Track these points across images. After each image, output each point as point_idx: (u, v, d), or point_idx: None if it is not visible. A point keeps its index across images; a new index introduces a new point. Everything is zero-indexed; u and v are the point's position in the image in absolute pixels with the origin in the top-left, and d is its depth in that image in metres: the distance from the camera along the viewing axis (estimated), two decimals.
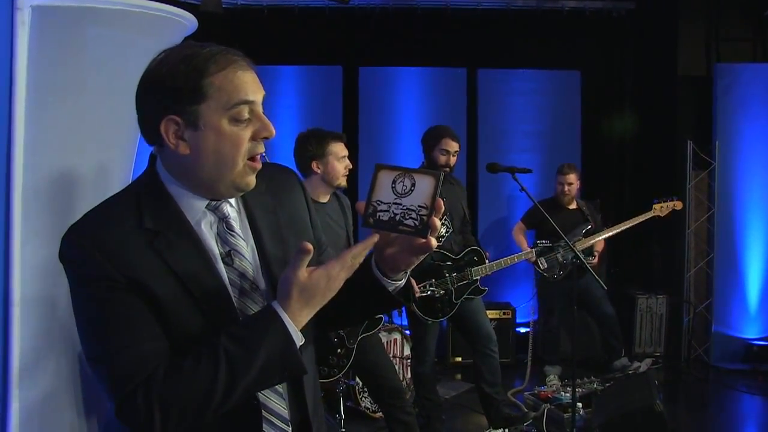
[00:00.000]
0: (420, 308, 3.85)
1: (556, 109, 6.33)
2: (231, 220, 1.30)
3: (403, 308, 3.98)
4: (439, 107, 6.14)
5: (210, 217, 1.28)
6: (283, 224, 1.37)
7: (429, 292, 3.83)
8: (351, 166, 3.18)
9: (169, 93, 1.19)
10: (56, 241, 1.95)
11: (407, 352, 4.53)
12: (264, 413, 1.27)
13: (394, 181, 1.17)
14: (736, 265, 5.58)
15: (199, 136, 1.20)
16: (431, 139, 3.96)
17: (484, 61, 6.33)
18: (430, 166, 3.95)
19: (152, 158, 1.30)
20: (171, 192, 1.26)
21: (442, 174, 1.17)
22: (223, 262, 1.26)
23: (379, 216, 1.17)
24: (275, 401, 1.29)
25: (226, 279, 1.26)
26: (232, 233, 1.29)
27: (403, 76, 6.25)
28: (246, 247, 1.31)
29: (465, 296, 3.96)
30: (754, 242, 5.55)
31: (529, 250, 4.37)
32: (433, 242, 1.18)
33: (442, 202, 1.16)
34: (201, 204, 1.27)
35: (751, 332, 5.53)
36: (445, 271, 3.90)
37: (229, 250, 1.27)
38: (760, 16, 5.69)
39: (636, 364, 5.27)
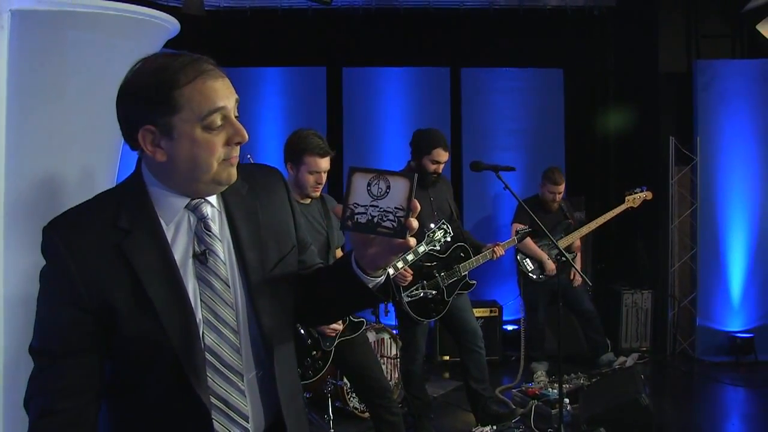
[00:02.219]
0: (413, 310, 3.86)
1: (540, 108, 6.37)
2: (209, 221, 1.34)
3: (393, 308, 3.99)
4: (423, 107, 6.15)
5: (189, 218, 1.33)
6: (263, 225, 1.41)
7: (422, 294, 3.85)
8: (323, 182, 3.14)
9: (143, 105, 1.24)
10: (39, 245, 1.95)
11: (395, 351, 4.54)
12: (225, 409, 1.31)
13: (369, 184, 1.19)
14: (719, 259, 5.64)
15: (174, 144, 1.25)
16: (423, 146, 3.91)
17: (467, 60, 6.36)
18: (417, 169, 3.93)
19: (139, 160, 1.35)
20: (151, 193, 1.31)
21: (416, 176, 1.19)
22: (198, 260, 1.31)
23: (356, 219, 1.19)
24: (236, 398, 1.32)
25: (192, 279, 1.30)
26: (209, 233, 1.33)
27: (386, 77, 6.26)
28: (222, 247, 1.34)
29: (456, 292, 3.98)
30: (736, 236, 5.61)
31: (512, 238, 4.37)
32: (412, 242, 1.20)
33: (417, 203, 1.18)
34: (181, 203, 1.32)
35: (734, 325, 5.59)
36: (434, 271, 3.92)
37: (205, 250, 1.32)
38: (738, 12, 5.76)
39: (622, 358, 5.31)
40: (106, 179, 2.31)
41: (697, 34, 5.85)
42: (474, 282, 4.07)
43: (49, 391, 1.25)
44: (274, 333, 1.36)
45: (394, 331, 4.67)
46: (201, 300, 1.29)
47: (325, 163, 3.12)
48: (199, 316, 1.28)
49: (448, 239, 3.67)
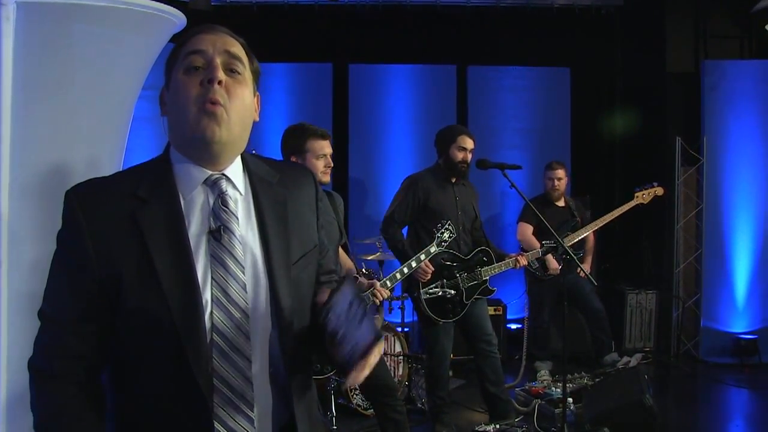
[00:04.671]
0: (430, 309, 3.85)
1: (546, 106, 6.35)
2: (227, 197, 1.32)
3: (415, 310, 4.01)
4: (429, 104, 6.15)
5: (206, 192, 1.32)
6: (290, 217, 1.39)
7: (441, 293, 3.84)
8: (332, 164, 3.14)
9: (165, 70, 1.35)
10: (45, 238, 1.95)
11: (399, 349, 4.54)
12: (228, 394, 1.27)
13: (351, 303, 1.20)
14: (724, 261, 5.62)
15: (169, 95, 1.32)
16: (448, 137, 3.99)
17: (474, 58, 6.34)
18: (445, 164, 3.99)
19: None
20: (174, 164, 1.33)
21: (382, 342, 1.19)
22: (212, 236, 1.28)
23: (329, 318, 1.24)
24: (241, 384, 1.28)
25: (205, 256, 1.27)
26: (226, 209, 1.31)
27: (393, 74, 6.25)
28: (238, 226, 1.32)
29: (475, 296, 3.96)
30: (741, 237, 5.60)
31: (536, 249, 4.37)
32: (356, 379, 1.21)
33: (369, 371, 1.19)
34: (200, 176, 1.32)
35: (738, 326, 5.58)
36: (455, 271, 3.91)
37: (220, 226, 1.29)
38: (746, 13, 5.73)
39: (625, 358, 5.29)
40: (111, 172, 2.31)
41: (705, 34, 5.82)
42: (494, 289, 4.06)
43: (48, 355, 1.26)
44: (291, 328, 1.33)
45: (398, 329, 4.67)
46: (212, 278, 1.26)
47: (328, 147, 3.13)
48: (207, 295, 1.25)
49: (453, 238, 3.70)
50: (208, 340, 1.24)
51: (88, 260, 1.23)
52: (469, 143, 3.95)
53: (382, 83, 6.21)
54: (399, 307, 4.88)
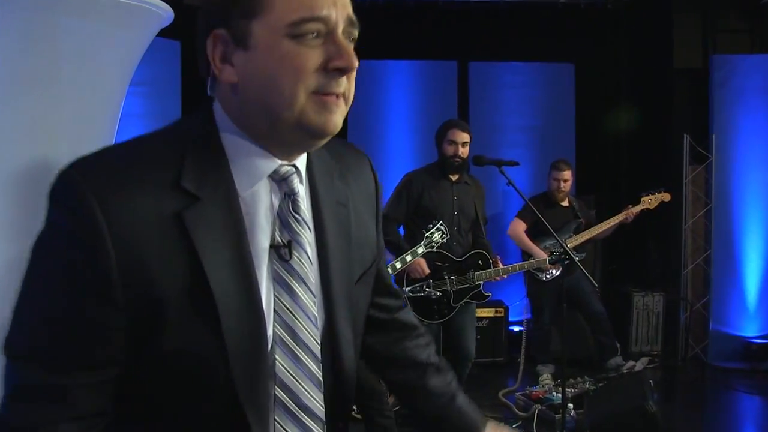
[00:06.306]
0: (415, 308, 3.76)
1: (550, 103, 6.28)
2: (299, 199, 0.97)
3: None
4: (430, 101, 6.08)
5: (271, 190, 0.96)
6: (353, 221, 1.06)
7: (425, 293, 3.75)
8: None
9: (220, 1, 0.92)
10: (23, 237, 1.87)
11: None
12: None
13: None
14: (734, 262, 5.51)
15: (249, 58, 0.89)
16: (440, 132, 3.96)
17: (476, 54, 6.27)
18: (440, 158, 3.94)
19: (209, 100, 0.97)
20: (226, 145, 0.93)
21: None
22: (277, 253, 0.94)
23: None
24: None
25: (267, 279, 0.94)
26: (298, 218, 0.96)
27: (393, 70, 6.19)
28: (310, 239, 0.99)
29: (465, 300, 3.87)
30: (752, 238, 5.49)
31: (543, 258, 4.27)
32: None
33: None
34: (265, 167, 0.94)
35: (749, 330, 5.46)
36: (444, 272, 3.82)
37: (290, 240, 0.95)
38: (756, 6, 5.62)
39: (631, 362, 5.18)
40: None
41: (714, 29, 5.73)
42: (489, 294, 3.97)
43: (30, 417, 0.84)
44: (351, 375, 1.04)
45: None
46: (274, 310, 0.93)
47: None
48: (269, 332, 0.92)
49: (445, 240, 3.65)
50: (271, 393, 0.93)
51: (109, 282, 0.83)
52: (460, 136, 3.85)
53: (382, 79, 6.15)
54: None
